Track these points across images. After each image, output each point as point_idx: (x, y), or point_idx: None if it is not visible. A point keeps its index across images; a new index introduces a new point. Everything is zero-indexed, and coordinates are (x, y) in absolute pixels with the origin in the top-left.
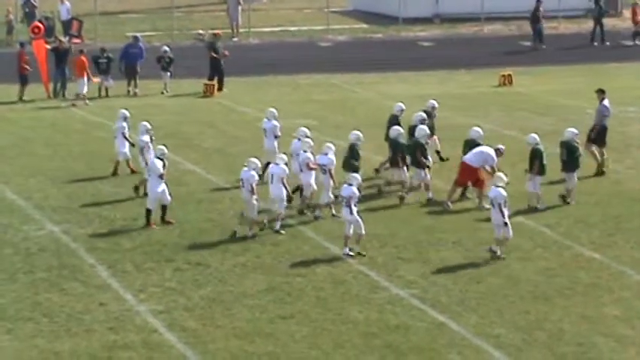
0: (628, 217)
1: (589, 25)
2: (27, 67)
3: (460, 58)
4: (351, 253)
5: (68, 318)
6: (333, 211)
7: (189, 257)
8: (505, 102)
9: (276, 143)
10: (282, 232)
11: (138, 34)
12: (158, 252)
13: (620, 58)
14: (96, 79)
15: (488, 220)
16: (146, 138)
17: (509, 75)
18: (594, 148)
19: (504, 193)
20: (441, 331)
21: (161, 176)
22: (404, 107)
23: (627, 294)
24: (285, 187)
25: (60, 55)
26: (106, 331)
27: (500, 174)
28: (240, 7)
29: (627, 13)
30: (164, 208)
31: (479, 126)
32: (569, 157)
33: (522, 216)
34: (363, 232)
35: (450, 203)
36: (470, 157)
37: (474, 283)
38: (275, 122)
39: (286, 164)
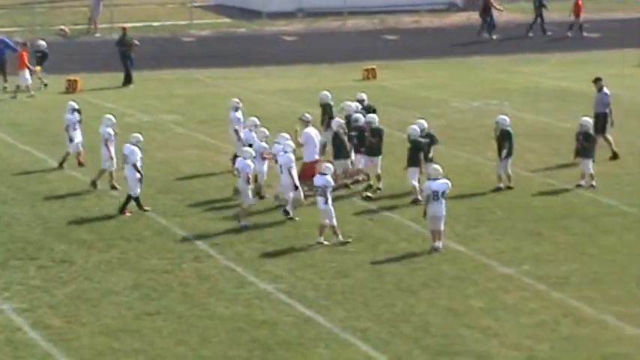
0: (491, 209)
1: (451, 18)
2: None
3: (324, 53)
4: (326, 243)
5: None
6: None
7: (54, 255)
8: (369, 96)
9: (242, 134)
10: (297, 218)
11: None
12: (22, 250)
13: (483, 52)
14: (38, 68)
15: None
16: (111, 130)
17: (373, 69)
18: (603, 135)
19: (449, 183)
20: (308, 326)
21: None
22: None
23: (491, 286)
24: (292, 176)
25: None
26: None
27: (437, 166)
28: (102, 3)
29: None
30: (137, 198)
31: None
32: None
33: (387, 211)
34: (335, 222)
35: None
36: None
37: (341, 277)
38: (236, 114)
39: (254, 158)
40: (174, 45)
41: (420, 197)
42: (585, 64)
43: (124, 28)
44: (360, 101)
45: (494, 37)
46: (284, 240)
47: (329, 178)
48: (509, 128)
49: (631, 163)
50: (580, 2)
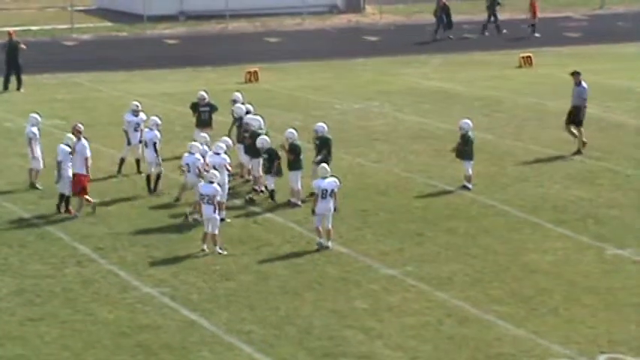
0: (374, 211)
1: (332, 21)
2: None
3: (206, 56)
4: (224, 252)
5: None
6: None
7: None
8: (252, 98)
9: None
10: (229, 220)
11: None
12: None
13: (365, 54)
14: None
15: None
16: (35, 130)
17: (256, 71)
18: (572, 128)
19: (338, 182)
20: (192, 329)
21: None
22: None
23: (375, 287)
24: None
25: None
26: None
27: (324, 165)
28: None
29: (370, 9)
30: (68, 197)
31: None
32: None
33: (271, 212)
34: (217, 231)
35: (77, 213)
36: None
37: (224, 280)
38: (135, 118)
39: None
40: (55, 49)
41: (299, 202)
42: (466, 66)
43: (10, 33)
44: (234, 101)
45: (451, 36)
46: (167, 244)
47: (216, 186)
48: (328, 135)
49: (511, 164)
50: (535, 3)
